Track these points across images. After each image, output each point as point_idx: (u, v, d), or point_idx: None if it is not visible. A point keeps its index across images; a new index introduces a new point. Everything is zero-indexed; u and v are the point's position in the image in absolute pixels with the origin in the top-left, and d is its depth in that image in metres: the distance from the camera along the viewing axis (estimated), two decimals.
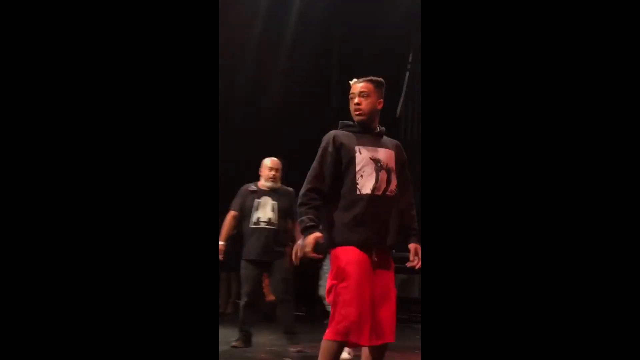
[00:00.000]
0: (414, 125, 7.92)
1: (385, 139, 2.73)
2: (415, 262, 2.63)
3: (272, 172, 4.31)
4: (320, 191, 2.60)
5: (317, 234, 2.54)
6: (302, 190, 2.65)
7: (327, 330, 2.54)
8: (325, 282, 3.92)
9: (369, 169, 2.60)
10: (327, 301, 2.65)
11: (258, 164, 4.49)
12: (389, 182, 2.62)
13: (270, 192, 4.31)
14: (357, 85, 2.67)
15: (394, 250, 2.70)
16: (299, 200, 2.64)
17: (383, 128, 2.74)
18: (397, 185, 2.65)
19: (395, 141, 2.79)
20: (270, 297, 6.27)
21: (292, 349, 4.19)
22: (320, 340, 2.51)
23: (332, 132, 2.68)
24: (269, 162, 4.38)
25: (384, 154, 2.65)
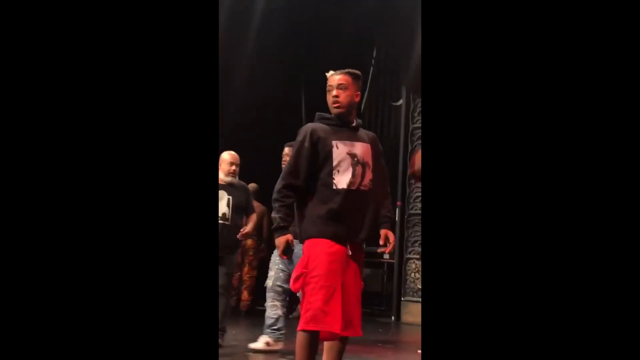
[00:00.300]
0: (378, 120, 7.98)
1: (361, 131, 2.72)
2: (387, 247, 2.66)
3: (232, 167, 4.25)
4: (295, 187, 2.60)
5: (288, 236, 2.57)
6: (277, 186, 2.65)
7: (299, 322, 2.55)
8: (274, 273, 4.07)
9: (345, 164, 2.60)
10: (293, 289, 2.66)
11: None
12: (363, 176, 2.63)
13: (227, 187, 4.24)
14: (335, 78, 2.65)
15: (364, 245, 2.73)
16: (274, 196, 2.63)
17: (360, 120, 2.74)
18: (372, 179, 2.65)
19: (372, 133, 2.79)
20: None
21: (251, 346, 4.16)
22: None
23: (310, 126, 2.67)
24: (228, 156, 4.29)
25: (361, 148, 2.65)
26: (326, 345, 2.62)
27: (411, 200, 6.59)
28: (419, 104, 6.60)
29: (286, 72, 7.44)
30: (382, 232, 2.68)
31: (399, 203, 6.64)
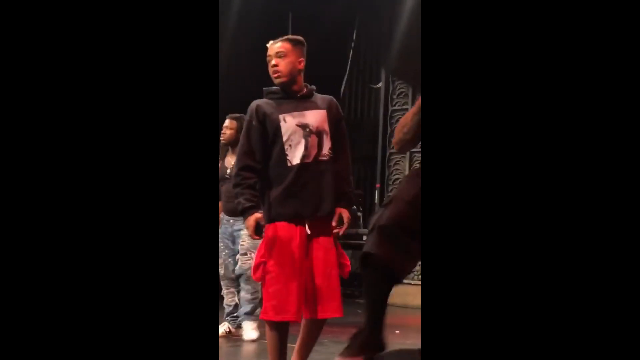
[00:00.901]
0: (358, 103, 8.02)
1: (315, 98, 2.55)
2: (341, 228, 2.48)
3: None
4: (253, 168, 2.49)
5: (257, 215, 2.46)
6: (234, 170, 2.58)
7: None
8: (223, 260, 3.99)
9: (296, 136, 2.44)
10: (254, 278, 2.57)
11: None
12: (320, 146, 2.47)
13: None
14: (274, 47, 2.51)
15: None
16: (232, 182, 2.55)
17: (312, 87, 2.57)
18: (332, 147, 2.50)
19: (328, 97, 2.59)
20: None
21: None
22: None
23: (255, 103, 2.53)
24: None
25: (313, 117, 2.48)
26: (301, 326, 2.56)
27: (390, 182, 6.62)
28: (399, 87, 6.63)
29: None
30: (336, 210, 2.48)
31: (377, 185, 6.69)
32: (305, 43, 2.56)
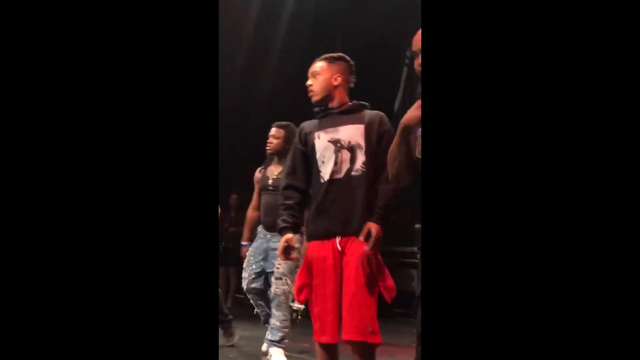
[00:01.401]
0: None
1: (360, 113, 2.44)
2: (368, 244, 2.26)
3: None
4: (296, 187, 2.50)
5: (288, 236, 2.45)
6: (281, 189, 2.60)
7: None
8: (248, 274, 3.84)
9: (328, 152, 2.39)
10: (298, 300, 2.56)
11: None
12: (353, 161, 2.37)
13: None
14: (312, 67, 2.51)
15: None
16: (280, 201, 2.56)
17: (359, 102, 2.48)
18: (366, 161, 2.36)
19: (374, 112, 2.46)
20: None
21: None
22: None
23: (301, 125, 2.55)
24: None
25: (347, 131, 2.40)
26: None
27: None
28: None
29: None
30: (366, 225, 2.29)
31: None
32: (346, 58, 2.51)
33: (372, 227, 2.29)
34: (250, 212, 4.13)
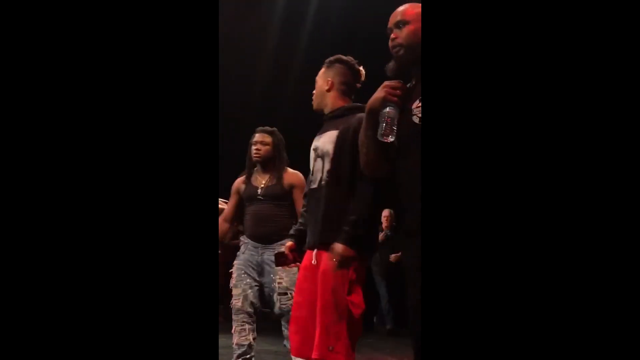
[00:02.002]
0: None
1: (345, 118, 2.29)
2: (333, 264, 2.09)
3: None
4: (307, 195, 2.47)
5: (288, 243, 2.46)
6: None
7: None
8: (242, 291, 3.47)
9: (311, 161, 2.34)
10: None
11: None
12: (323, 170, 2.26)
13: None
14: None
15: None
16: None
17: (336, 108, 2.34)
18: (330, 170, 2.23)
19: (356, 117, 2.23)
20: None
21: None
22: None
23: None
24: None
25: (324, 138, 2.29)
26: None
27: None
28: None
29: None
30: (333, 244, 2.11)
31: None
32: (343, 60, 2.39)
33: (337, 247, 2.12)
34: (222, 224, 3.68)
